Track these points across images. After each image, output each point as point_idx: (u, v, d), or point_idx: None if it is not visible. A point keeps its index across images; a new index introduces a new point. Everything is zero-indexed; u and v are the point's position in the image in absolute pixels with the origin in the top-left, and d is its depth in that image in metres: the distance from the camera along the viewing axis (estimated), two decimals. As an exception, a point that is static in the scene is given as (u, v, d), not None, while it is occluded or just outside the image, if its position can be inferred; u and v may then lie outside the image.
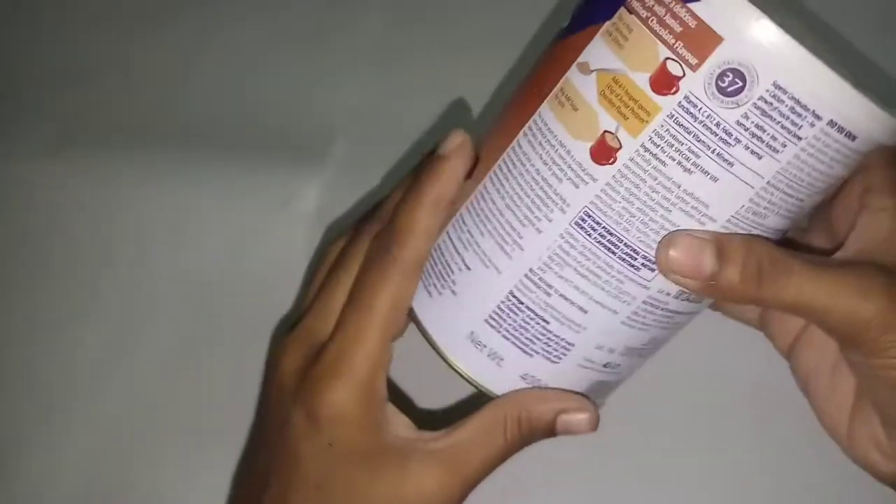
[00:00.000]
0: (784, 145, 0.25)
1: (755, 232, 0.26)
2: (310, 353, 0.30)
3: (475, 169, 0.30)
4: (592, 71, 0.26)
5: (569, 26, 0.28)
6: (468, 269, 0.29)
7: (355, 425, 0.29)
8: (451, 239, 0.30)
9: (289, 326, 0.33)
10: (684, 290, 0.27)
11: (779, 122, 0.24)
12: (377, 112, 0.44)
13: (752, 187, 0.25)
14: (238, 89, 0.45)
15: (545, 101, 0.28)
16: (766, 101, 0.24)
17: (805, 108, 0.24)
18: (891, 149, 0.27)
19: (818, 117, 0.24)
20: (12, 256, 0.44)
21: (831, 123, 0.24)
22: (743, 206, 0.26)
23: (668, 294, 0.28)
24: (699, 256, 0.25)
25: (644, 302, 0.28)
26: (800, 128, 0.24)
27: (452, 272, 0.30)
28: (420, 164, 0.32)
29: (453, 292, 0.30)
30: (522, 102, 0.29)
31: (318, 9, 0.46)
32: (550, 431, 0.30)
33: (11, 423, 0.42)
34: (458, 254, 0.30)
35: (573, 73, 0.27)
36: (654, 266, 0.27)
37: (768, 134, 0.24)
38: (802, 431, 0.36)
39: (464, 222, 0.30)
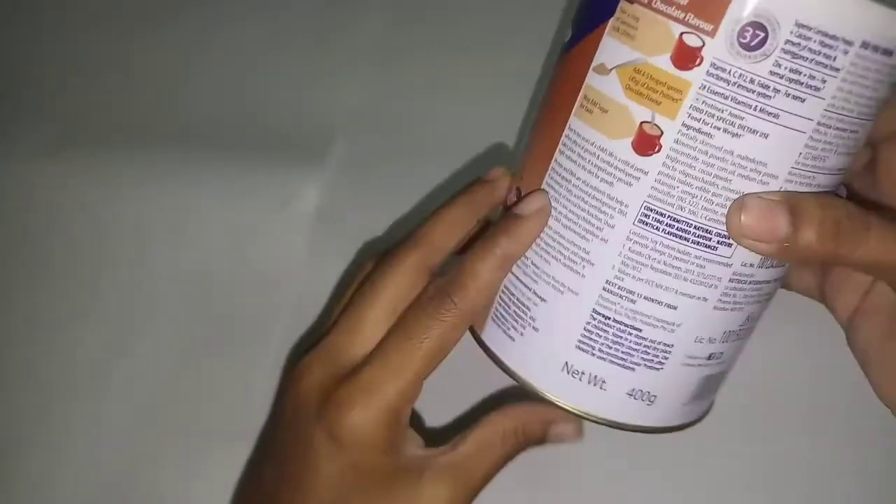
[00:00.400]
0: (824, 81, 0.24)
1: (818, 177, 0.26)
2: (336, 371, 0.31)
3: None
4: (611, 69, 0.26)
5: (572, 37, 0.28)
6: (544, 301, 0.29)
7: (378, 450, 0.30)
8: (516, 277, 0.30)
9: (312, 341, 0.32)
10: (759, 254, 0.26)
11: (812, 60, 0.24)
12: (377, 112, 0.44)
13: (804, 132, 0.25)
14: (238, 89, 0.45)
15: (572, 114, 0.27)
16: (793, 44, 0.24)
17: (834, 37, 0.24)
18: None
19: (849, 43, 0.24)
20: (12, 256, 0.44)
21: (864, 45, 0.24)
22: (800, 153, 0.25)
23: (751, 265, 0.27)
24: (772, 218, 0.25)
25: (730, 280, 0.27)
26: (834, 59, 0.24)
27: (528, 309, 0.29)
28: (466, 188, 0.33)
29: (535, 329, 0.29)
30: (548, 123, 0.29)
31: (318, 9, 0.46)
32: (541, 441, 0.32)
33: (11, 423, 0.42)
34: (529, 289, 0.29)
35: (592, 78, 0.27)
36: (730, 241, 0.26)
37: (805, 75, 0.24)
38: (802, 433, 0.37)
39: (525, 256, 0.29)
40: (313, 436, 0.30)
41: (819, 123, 0.25)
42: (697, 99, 0.25)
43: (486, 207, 0.33)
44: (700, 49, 0.24)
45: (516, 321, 0.30)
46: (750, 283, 0.28)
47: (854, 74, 0.24)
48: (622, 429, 0.30)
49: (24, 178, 0.45)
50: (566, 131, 0.28)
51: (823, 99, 0.25)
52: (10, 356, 0.43)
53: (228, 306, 0.42)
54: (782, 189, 0.26)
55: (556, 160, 0.28)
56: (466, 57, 0.44)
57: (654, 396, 0.29)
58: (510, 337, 0.30)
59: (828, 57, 0.24)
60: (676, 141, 0.25)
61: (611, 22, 0.26)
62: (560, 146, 0.28)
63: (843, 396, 0.36)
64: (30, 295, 0.44)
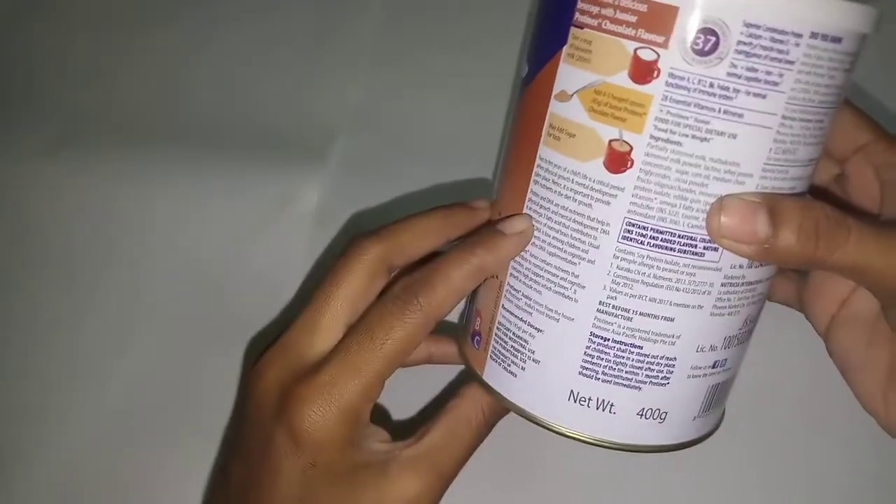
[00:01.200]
0: (781, 75, 0.25)
1: (792, 169, 0.27)
2: (295, 369, 0.30)
3: None
4: (572, 95, 0.27)
5: (529, 70, 0.29)
6: (540, 331, 0.29)
7: (336, 447, 0.29)
8: (509, 311, 0.30)
9: (273, 335, 0.32)
10: (741, 256, 0.27)
11: (766, 56, 0.24)
12: (377, 112, 0.44)
13: (771, 128, 0.25)
14: (238, 89, 0.45)
15: (540, 143, 0.28)
16: (745, 43, 0.24)
17: (783, 32, 0.24)
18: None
19: (798, 35, 0.24)
20: (12, 256, 0.44)
21: (813, 35, 0.25)
22: (770, 149, 0.26)
23: (741, 267, 0.27)
24: (751, 219, 0.25)
25: (723, 285, 0.27)
26: (787, 52, 0.25)
27: (526, 342, 0.29)
28: (448, 206, 0.33)
29: (536, 361, 0.29)
30: (518, 155, 0.29)
31: (318, 9, 0.46)
32: (504, 412, 0.32)
33: (11, 423, 0.42)
34: (524, 322, 0.29)
35: (555, 106, 0.27)
36: (714, 245, 0.26)
37: (761, 71, 0.25)
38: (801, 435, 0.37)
39: (515, 290, 0.30)
40: (274, 435, 0.30)
41: (783, 117, 0.25)
42: (661, 110, 0.25)
43: (461, 229, 0.33)
44: (656, 62, 0.25)
45: (515, 356, 0.30)
46: (742, 284, 0.28)
47: (808, 65, 0.25)
48: (637, 451, 0.30)
49: (24, 178, 0.45)
50: (537, 161, 0.28)
51: (783, 93, 0.25)
52: (10, 356, 0.43)
53: (228, 306, 0.42)
54: (759, 186, 0.26)
55: (531, 190, 0.29)
56: (467, 57, 0.44)
57: (665, 413, 0.29)
58: (511, 373, 0.30)
59: (781, 52, 0.24)
60: (647, 154, 0.26)
61: (565, 50, 0.27)
62: (534, 176, 0.28)
63: (841, 399, 0.36)
64: (30, 294, 0.44)
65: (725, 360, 0.29)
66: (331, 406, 0.29)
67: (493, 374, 0.31)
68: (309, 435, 0.29)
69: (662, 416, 0.29)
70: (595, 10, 0.26)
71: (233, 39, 0.46)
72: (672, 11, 0.24)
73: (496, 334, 0.31)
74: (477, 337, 0.32)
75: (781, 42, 0.24)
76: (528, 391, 0.30)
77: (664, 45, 0.25)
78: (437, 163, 0.42)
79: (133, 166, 0.44)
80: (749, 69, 0.24)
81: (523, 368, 0.30)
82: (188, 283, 0.43)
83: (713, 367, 0.29)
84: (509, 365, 0.30)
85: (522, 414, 0.30)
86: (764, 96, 0.25)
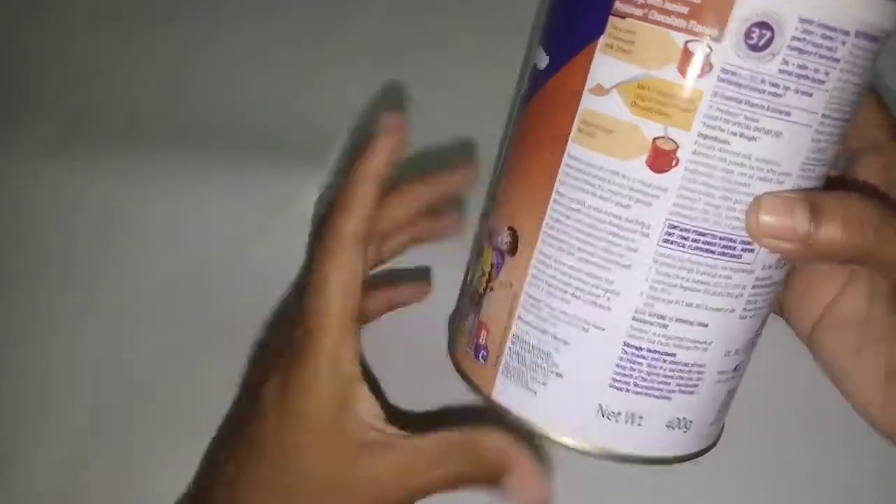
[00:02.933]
0: (827, 73, 0.24)
1: (818, 168, 0.26)
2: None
3: (516, 244, 0.28)
4: (611, 89, 0.25)
5: (552, 62, 0.27)
6: (566, 343, 0.27)
7: (322, 398, 0.29)
8: (527, 323, 0.28)
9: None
10: (782, 255, 0.26)
11: (816, 54, 0.24)
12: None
13: (811, 126, 0.25)
14: (238, 89, 0.45)
15: (569, 141, 0.26)
16: (798, 39, 0.24)
17: (834, 29, 0.24)
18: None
19: (846, 33, 0.24)
20: (12, 256, 0.44)
21: (857, 34, 0.24)
22: (808, 148, 0.25)
23: (770, 267, 0.27)
24: (791, 215, 0.25)
25: (753, 287, 0.27)
26: (835, 50, 0.24)
27: (549, 356, 0.27)
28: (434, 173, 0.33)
29: (559, 375, 0.27)
30: (536, 156, 0.28)
31: (319, 9, 0.46)
32: (494, 483, 0.29)
33: (11, 423, 0.42)
34: (547, 333, 0.27)
35: (589, 100, 0.26)
36: (752, 247, 0.26)
37: (811, 69, 0.24)
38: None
39: (536, 299, 0.27)
40: (267, 388, 0.30)
41: (823, 115, 0.25)
42: (711, 106, 0.24)
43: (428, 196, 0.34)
44: (708, 55, 0.24)
45: (536, 371, 0.28)
46: (768, 285, 0.27)
47: (850, 63, 0.25)
48: (660, 464, 0.28)
49: (24, 178, 0.45)
50: (566, 160, 0.26)
51: (827, 91, 0.25)
52: (10, 355, 0.43)
53: (228, 306, 0.42)
54: (795, 186, 0.26)
55: (557, 191, 0.27)
56: (467, 56, 0.44)
57: (691, 422, 0.28)
58: (531, 390, 0.28)
59: (830, 49, 0.24)
60: (694, 152, 0.25)
61: (602, 40, 0.25)
62: (561, 176, 0.26)
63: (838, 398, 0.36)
64: (30, 294, 0.44)
65: (743, 362, 0.29)
66: (307, 357, 0.29)
67: (506, 393, 0.29)
68: (293, 384, 0.30)
69: (688, 425, 0.28)
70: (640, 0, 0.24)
71: (233, 39, 0.46)
72: (728, 4, 0.23)
73: (510, 348, 0.28)
74: (483, 351, 0.30)
75: (831, 39, 0.24)
76: (550, 409, 0.28)
77: (717, 39, 0.24)
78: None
79: (133, 166, 0.44)
80: (800, 66, 0.24)
81: (544, 384, 0.28)
82: (188, 283, 0.43)
83: (735, 371, 0.29)
84: (528, 381, 0.28)
85: (541, 434, 0.28)
86: (811, 95, 0.24)
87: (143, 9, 0.47)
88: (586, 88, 0.26)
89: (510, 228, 0.29)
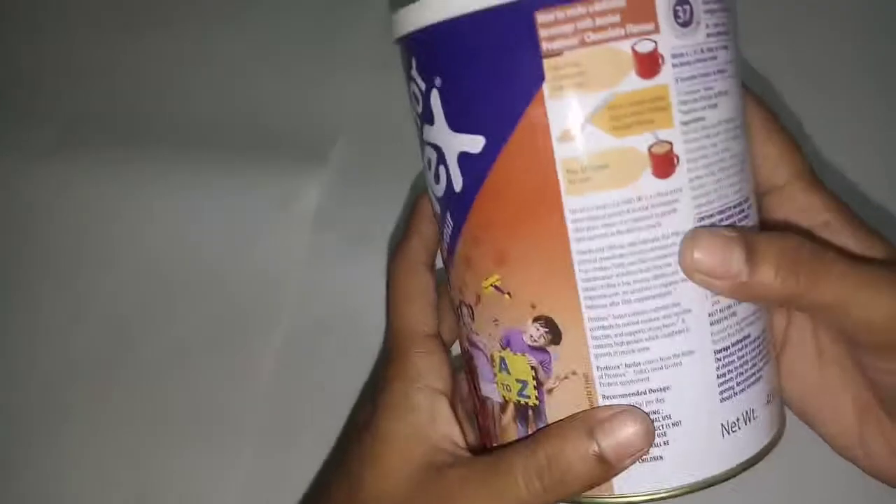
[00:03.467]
0: (726, 21, 0.26)
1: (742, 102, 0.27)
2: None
3: (556, 329, 0.26)
4: (583, 126, 0.24)
5: (490, 141, 0.25)
6: (667, 389, 0.25)
7: (404, 416, 0.29)
8: (616, 396, 0.25)
9: None
10: (713, 291, 0.25)
11: (719, 10, 0.25)
12: (378, 113, 0.44)
13: (736, 75, 0.26)
14: (239, 90, 0.45)
15: (563, 196, 0.24)
16: (705, 2, 0.25)
17: None
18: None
19: None
20: (12, 256, 0.44)
21: None
22: (739, 94, 0.26)
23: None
24: (726, 253, 0.24)
25: None
26: (727, 0, 0.26)
27: (658, 411, 0.25)
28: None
29: (677, 424, 0.25)
30: (527, 235, 0.25)
31: (319, 9, 0.46)
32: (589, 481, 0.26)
33: (11, 422, 0.42)
34: (642, 393, 0.25)
35: (563, 149, 0.24)
36: (750, 201, 0.27)
37: (721, 24, 0.25)
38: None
39: (613, 367, 0.25)
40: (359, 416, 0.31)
41: (734, 59, 0.26)
42: (679, 93, 0.24)
43: None
44: (656, 49, 0.24)
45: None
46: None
47: (731, 8, 0.26)
48: (773, 448, 0.27)
49: (24, 178, 0.45)
50: (569, 216, 0.24)
51: (732, 39, 0.26)
52: (10, 356, 0.43)
53: (229, 306, 0.42)
54: (742, 132, 0.26)
55: (576, 251, 0.25)
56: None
57: (774, 388, 0.28)
58: (657, 457, 0.26)
59: (724, 1, 0.25)
60: (685, 142, 0.25)
61: (546, 86, 0.24)
62: (572, 235, 0.25)
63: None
64: (30, 295, 0.44)
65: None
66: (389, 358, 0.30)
67: (630, 481, 0.26)
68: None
69: (774, 394, 0.28)
70: (568, 28, 0.23)
71: (233, 40, 0.46)
72: None
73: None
74: None
75: None
76: (683, 462, 0.26)
77: (656, 31, 0.24)
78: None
79: (133, 166, 0.44)
80: (715, 25, 0.25)
81: (667, 442, 0.25)
82: (188, 283, 0.43)
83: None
84: (650, 452, 0.25)
85: (681, 492, 0.26)
86: (727, 47, 0.26)
87: (143, 9, 0.47)
88: (555, 139, 0.24)
89: (539, 319, 0.26)
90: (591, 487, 0.26)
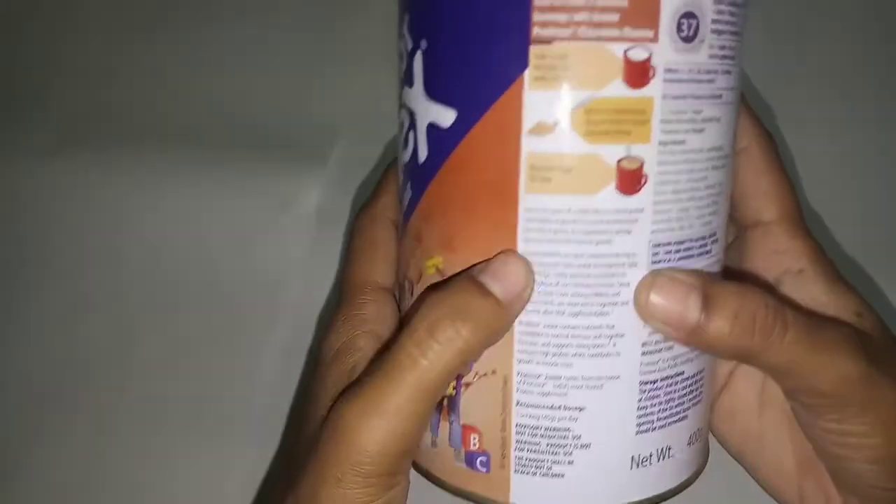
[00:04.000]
0: (735, 48, 0.24)
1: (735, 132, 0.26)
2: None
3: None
4: (555, 124, 0.23)
5: (461, 116, 0.24)
6: (582, 409, 0.24)
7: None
8: (530, 405, 0.25)
9: None
10: (665, 337, 0.24)
11: (728, 32, 0.24)
12: (378, 113, 0.44)
13: (734, 103, 0.25)
14: (239, 89, 0.45)
15: (521, 193, 0.23)
16: (716, 21, 0.23)
17: (738, 4, 0.24)
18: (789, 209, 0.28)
19: (745, 5, 0.24)
20: (12, 256, 0.44)
21: (746, 3, 0.25)
22: (733, 122, 0.25)
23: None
24: (683, 302, 0.23)
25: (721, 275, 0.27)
26: (738, 24, 0.24)
27: (569, 430, 0.25)
28: None
29: (585, 446, 0.25)
30: (481, 220, 0.24)
31: (319, 9, 0.46)
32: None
33: (11, 423, 0.42)
34: (558, 407, 0.25)
35: (532, 143, 0.23)
36: (716, 236, 0.25)
37: (727, 48, 0.24)
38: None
39: (532, 376, 0.24)
40: None
41: (735, 87, 0.25)
42: (663, 110, 0.23)
43: None
44: (649, 59, 0.22)
45: (557, 453, 0.25)
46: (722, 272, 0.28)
47: (742, 31, 0.25)
48: (690, 485, 0.27)
49: (24, 178, 0.45)
50: (523, 214, 0.23)
51: (738, 65, 0.25)
52: (10, 356, 0.43)
53: (229, 306, 0.42)
54: (730, 160, 0.25)
55: (522, 250, 0.24)
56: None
57: (701, 428, 0.27)
58: (557, 475, 0.25)
59: (735, 24, 0.24)
60: (659, 163, 0.23)
61: (528, 75, 0.23)
62: (522, 234, 0.24)
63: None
64: (30, 294, 0.44)
65: None
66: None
67: (527, 491, 0.25)
68: None
69: (701, 433, 0.27)
70: (563, 18, 0.22)
71: (233, 39, 0.46)
72: (656, 1, 0.22)
73: (518, 441, 0.25)
74: (480, 458, 0.26)
75: (735, 14, 0.24)
76: (583, 485, 0.25)
77: (654, 40, 0.22)
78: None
79: (133, 166, 0.44)
80: (721, 47, 0.24)
81: (571, 462, 0.25)
82: (188, 283, 0.43)
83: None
84: (550, 468, 0.25)
85: None
86: (730, 72, 0.24)
87: (143, 9, 0.47)
88: (525, 131, 0.23)
89: None
90: (492, 335, 0.24)
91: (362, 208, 0.31)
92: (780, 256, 0.28)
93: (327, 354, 0.28)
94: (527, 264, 0.24)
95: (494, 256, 0.24)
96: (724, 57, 0.24)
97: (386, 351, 0.24)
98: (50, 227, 0.44)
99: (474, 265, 0.24)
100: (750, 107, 0.29)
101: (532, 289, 0.24)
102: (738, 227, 0.30)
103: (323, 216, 0.43)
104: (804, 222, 0.29)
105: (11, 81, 0.47)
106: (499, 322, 0.24)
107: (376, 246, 0.29)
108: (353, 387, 0.25)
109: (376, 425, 0.23)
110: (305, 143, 0.44)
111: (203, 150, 0.44)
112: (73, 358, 0.43)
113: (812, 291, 0.27)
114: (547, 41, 0.22)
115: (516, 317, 0.24)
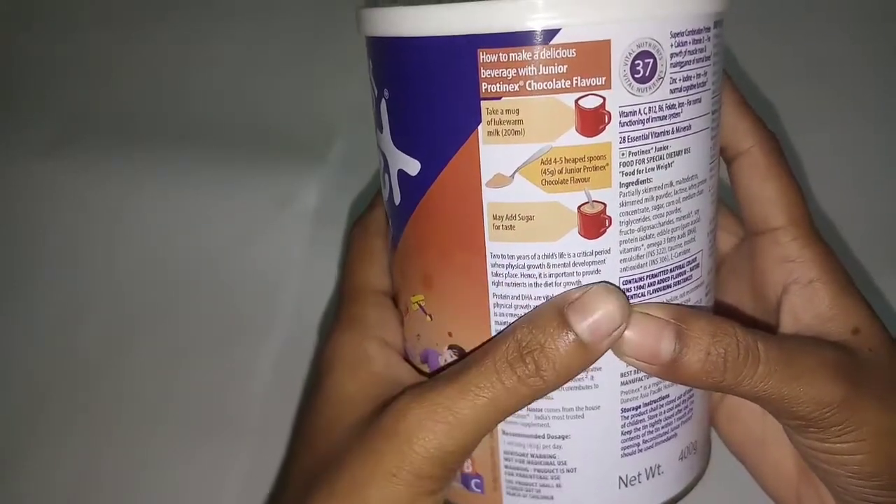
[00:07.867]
0: (705, 73, 0.24)
1: (714, 162, 0.25)
2: None
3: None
4: (512, 175, 0.23)
5: (425, 167, 0.24)
6: (566, 438, 0.25)
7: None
8: (514, 434, 0.26)
9: None
10: (638, 370, 0.24)
11: (692, 60, 0.23)
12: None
13: (708, 127, 0.24)
14: (238, 89, 0.45)
15: (487, 241, 0.24)
16: (676, 55, 0.23)
17: (699, 31, 0.23)
18: (799, 214, 0.27)
19: (708, 29, 0.24)
20: (12, 256, 0.44)
21: (715, 25, 0.24)
22: (709, 146, 0.25)
23: (713, 271, 0.27)
24: (657, 339, 0.23)
25: (707, 294, 0.27)
26: (705, 49, 0.24)
27: (553, 456, 0.25)
28: None
29: (571, 471, 0.25)
30: (450, 265, 0.25)
31: (318, 8, 0.46)
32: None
33: (11, 423, 0.42)
34: (542, 436, 0.25)
35: (492, 195, 0.23)
36: (697, 260, 0.25)
37: (693, 76, 0.23)
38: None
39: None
40: None
41: (712, 112, 0.25)
42: (623, 154, 0.23)
43: None
44: (603, 105, 0.22)
45: (545, 477, 0.26)
46: (712, 290, 0.27)
47: (715, 55, 0.24)
48: (686, 495, 0.28)
49: (24, 178, 0.45)
50: (490, 260, 0.24)
51: (709, 89, 0.24)
52: (10, 356, 0.43)
53: (227, 305, 0.42)
54: (710, 186, 0.25)
55: (494, 294, 0.24)
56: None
57: (696, 442, 0.28)
58: (546, 498, 0.26)
59: (701, 51, 0.24)
60: (622, 204, 0.23)
61: (481, 129, 0.23)
62: (491, 278, 0.24)
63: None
64: (29, 294, 0.44)
65: None
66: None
67: None
68: None
69: (696, 446, 0.27)
70: (510, 73, 0.22)
71: (233, 39, 0.46)
72: (605, 46, 0.22)
73: (507, 466, 0.26)
74: (475, 480, 0.27)
75: (699, 41, 0.23)
76: None
77: (606, 86, 0.22)
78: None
79: (133, 166, 0.44)
80: (685, 78, 0.23)
81: (559, 485, 0.26)
82: (188, 283, 0.43)
83: None
84: (539, 490, 0.26)
85: None
86: (700, 100, 0.24)
87: (143, 9, 0.47)
88: (484, 184, 0.23)
89: (454, 347, 0.26)
90: (572, 375, 0.24)
91: (357, 221, 0.31)
92: (789, 265, 0.28)
93: (336, 360, 0.28)
94: (619, 299, 0.23)
95: (590, 287, 0.23)
96: (690, 87, 0.23)
97: (462, 363, 0.24)
98: (48, 226, 0.44)
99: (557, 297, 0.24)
100: (751, 108, 0.28)
101: (625, 326, 0.23)
102: (745, 229, 0.29)
103: (322, 215, 0.43)
104: (814, 227, 0.28)
105: (11, 81, 0.47)
106: (581, 365, 0.24)
107: (373, 255, 0.29)
108: (421, 388, 0.25)
109: (442, 430, 0.23)
110: (304, 143, 0.44)
111: (202, 149, 0.44)
112: (71, 357, 0.43)
113: (816, 305, 0.27)
114: (496, 97, 0.22)
115: (602, 355, 0.24)
